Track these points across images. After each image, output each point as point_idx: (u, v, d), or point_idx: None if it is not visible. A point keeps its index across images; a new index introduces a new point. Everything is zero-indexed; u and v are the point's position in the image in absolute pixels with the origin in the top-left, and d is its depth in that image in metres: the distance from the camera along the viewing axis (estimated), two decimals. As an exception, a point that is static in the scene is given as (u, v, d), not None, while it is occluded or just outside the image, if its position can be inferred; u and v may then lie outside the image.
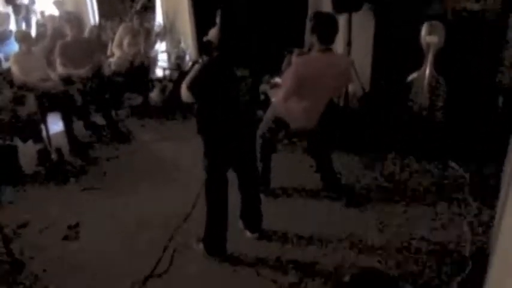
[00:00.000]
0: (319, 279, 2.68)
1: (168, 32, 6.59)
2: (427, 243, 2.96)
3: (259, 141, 3.31)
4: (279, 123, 3.32)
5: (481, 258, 2.70)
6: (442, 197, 3.51)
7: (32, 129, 4.21)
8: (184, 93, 2.55)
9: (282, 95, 3.13)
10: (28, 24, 8.43)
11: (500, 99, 4.02)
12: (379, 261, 2.82)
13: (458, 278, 2.60)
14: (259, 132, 3.31)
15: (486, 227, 3.08)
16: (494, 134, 3.76)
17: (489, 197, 3.40)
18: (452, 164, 3.94)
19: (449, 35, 3.96)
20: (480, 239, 2.97)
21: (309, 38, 3.09)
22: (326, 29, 2.98)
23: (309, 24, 3.08)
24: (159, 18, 6.68)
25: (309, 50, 3.13)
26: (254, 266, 2.82)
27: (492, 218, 3.13)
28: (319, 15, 3.08)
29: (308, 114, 3.18)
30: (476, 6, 4.07)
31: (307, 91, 3.04)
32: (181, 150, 4.58)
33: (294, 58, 3.12)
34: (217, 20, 2.52)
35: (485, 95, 4.16)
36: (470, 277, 2.60)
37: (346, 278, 2.63)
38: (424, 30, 4.02)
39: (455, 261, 2.76)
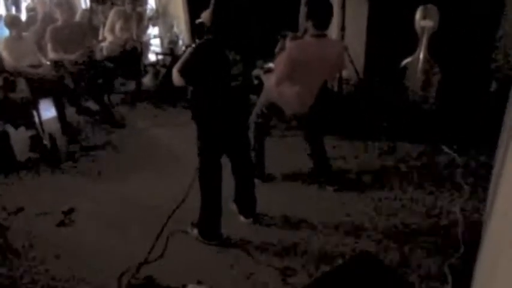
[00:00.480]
0: (313, 263, 2.71)
1: (161, 16, 6.52)
2: (419, 227, 2.99)
3: (252, 126, 3.30)
4: (272, 108, 3.31)
5: (473, 241, 2.74)
6: (434, 181, 3.54)
7: (24, 115, 4.17)
8: (176, 77, 2.53)
9: (275, 79, 3.12)
10: (18, 9, 8.28)
11: (493, 84, 4.03)
12: (372, 245, 2.85)
13: (451, 260, 2.63)
14: (252, 117, 3.30)
15: (478, 211, 3.11)
16: (487, 118, 3.78)
17: (481, 180, 3.43)
18: (445, 148, 3.96)
19: (443, 19, 3.95)
20: (472, 222, 3.00)
21: (304, 22, 3.06)
22: (321, 14, 2.96)
23: (303, 9, 3.05)
24: (151, 2, 6.59)
25: (303, 34, 3.11)
26: (249, 250, 2.84)
27: (484, 201, 3.16)
28: (314, 0, 3.05)
29: (301, 99, 3.17)
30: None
31: (300, 76, 3.03)
32: (175, 135, 4.57)
33: (288, 42, 3.10)
34: (211, 1, 2.48)
35: (478, 80, 4.17)
36: (462, 259, 2.63)
37: (340, 262, 2.66)
38: (418, 14, 4.01)
39: (446, 245, 2.79)
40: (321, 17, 2.96)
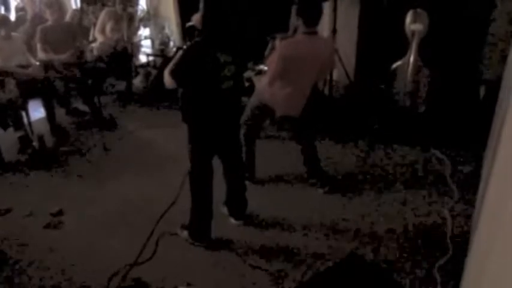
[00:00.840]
0: (304, 265, 2.71)
1: (152, 17, 6.49)
2: (409, 229, 3.01)
3: (243, 127, 3.30)
4: (264, 110, 3.32)
5: (462, 243, 2.76)
6: (424, 184, 3.57)
7: (13, 116, 4.13)
8: (167, 80, 2.53)
9: (268, 79, 3.13)
10: (7, 8, 8.21)
11: (482, 90, 4.08)
12: (362, 247, 2.86)
13: (440, 262, 2.65)
14: (242, 118, 3.30)
15: (467, 213, 3.14)
16: (476, 121, 3.82)
17: (470, 183, 3.46)
18: (435, 152, 4.00)
19: (433, 24, 3.98)
20: (461, 224, 3.03)
21: (295, 21, 3.07)
22: (310, 11, 2.98)
23: (294, 8, 3.06)
24: (142, 3, 6.57)
25: (293, 33, 3.12)
26: (239, 252, 2.84)
27: (473, 204, 3.19)
28: (303, 1, 3.07)
29: (292, 100, 3.17)
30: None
31: (291, 75, 3.03)
32: (166, 137, 4.55)
33: (278, 42, 3.11)
34: (200, 5, 2.48)
35: (467, 85, 4.21)
36: (451, 261, 2.66)
37: (330, 264, 2.67)
38: (408, 18, 4.04)
39: (436, 247, 2.81)
40: (310, 14, 2.98)
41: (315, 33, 3.05)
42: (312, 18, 2.99)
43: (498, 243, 1.46)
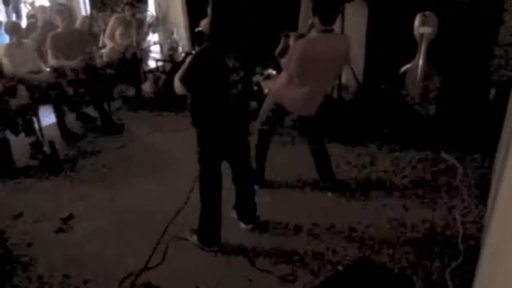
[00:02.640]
0: (313, 269, 2.70)
1: (161, 23, 6.54)
2: (420, 234, 2.99)
3: (256, 134, 3.28)
4: (278, 112, 3.28)
5: (473, 247, 2.74)
6: (435, 187, 3.54)
7: (24, 121, 4.17)
8: (178, 87, 2.55)
9: (285, 79, 3.09)
10: (18, 16, 8.33)
11: (492, 92, 4.04)
12: (373, 252, 2.84)
13: (451, 267, 2.63)
14: (256, 125, 3.27)
15: (478, 218, 3.11)
16: (486, 124, 3.78)
17: (481, 187, 3.43)
18: (445, 155, 3.96)
19: (442, 27, 3.96)
20: (472, 229, 3.00)
21: (307, 20, 3.03)
22: (327, 8, 2.94)
23: (305, 8, 3.03)
24: (151, 9, 6.62)
25: (308, 31, 3.09)
26: (248, 256, 2.83)
27: (484, 207, 3.16)
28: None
29: (311, 99, 3.14)
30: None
31: (311, 74, 3.01)
32: (175, 142, 4.57)
33: (293, 41, 3.07)
34: (208, 10, 2.50)
35: (477, 86, 4.18)
36: (462, 266, 2.63)
37: (340, 268, 2.65)
38: (417, 21, 4.02)
39: (447, 251, 2.79)
40: (327, 12, 2.94)
41: (332, 30, 3.01)
42: (329, 17, 2.94)
43: (510, 247, 1.44)
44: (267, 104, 3.34)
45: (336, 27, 4.36)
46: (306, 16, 3.03)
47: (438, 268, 2.65)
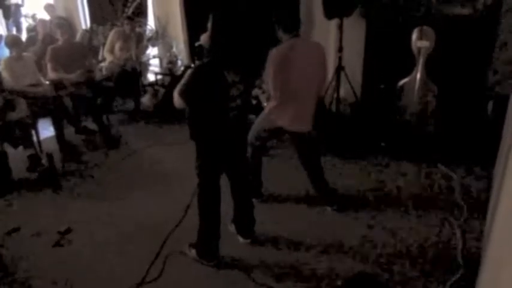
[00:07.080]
0: (312, 283, 2.68)
1: (160, 36, 6.59)
2: (419, 248, 2.97)
3: (249, 148, 3.29)
4: (271, 132, 3.31)
5: (473, 260, 2.72)
6: (433, 201, 3.53)
7: (23, 134, 4.17)
8: (177, 101, 2.55)
9: (272, 100, 3.13)
10: (18, 29, 8.39)
11: (490, 105, 4.06)
12: (372, 266, 2.82)
13: (452, 281, 2.61)
14: (249, 138, 3.28)
15: (477, 231, 3.10)
16: (484, 137, 3.79)
17: (480, 201, 3.42)
18: (443, 169, 3.97)
19: (440, 40, 4.00)
20: (471, 243, 2.98)
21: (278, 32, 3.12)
22: (286, 18, 3.06)
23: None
24: (150, 23, 6.68)
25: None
26: (247, 271, 2.81)
27: (483, 221, 3.15)
28: (280, 9, 3.15)
29: (301, 115, 3.16)
30: (464, 11, 4.13)
31: (291, 85, 3.03)
32: (174, 155, 4.57)
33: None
34: (208, 25, 2.52)
35: (475, 100, 4.21)
36: (463, 279, 2.61)
37: (339, 283, 2.63)
38: (414, 35, 4.06)
39: (447, 265, 2.77)
40: (287, 21, 3.06)
41: (298, 35, 3.08)
42: (289, 25, 3.06)
43: (511, 260, 1.44)
44: (258, 126, 3.34)
45: (334, 41, 4.41)
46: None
47: (438, 282, 2.63)
